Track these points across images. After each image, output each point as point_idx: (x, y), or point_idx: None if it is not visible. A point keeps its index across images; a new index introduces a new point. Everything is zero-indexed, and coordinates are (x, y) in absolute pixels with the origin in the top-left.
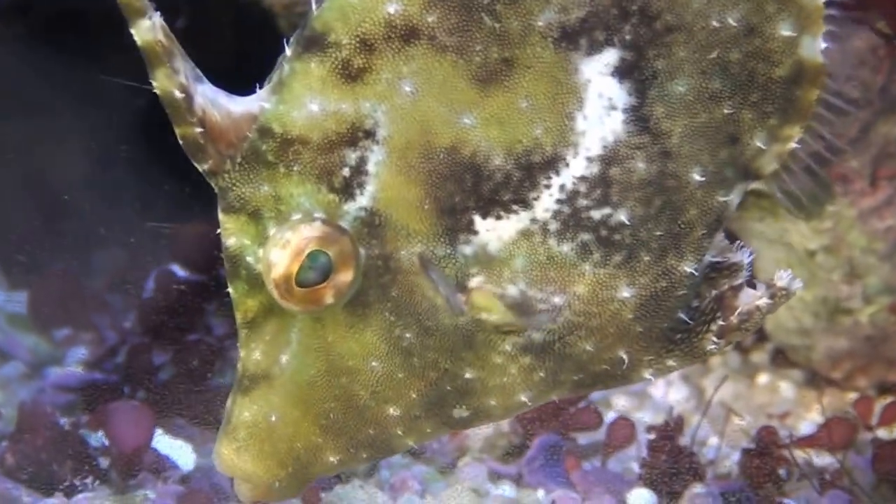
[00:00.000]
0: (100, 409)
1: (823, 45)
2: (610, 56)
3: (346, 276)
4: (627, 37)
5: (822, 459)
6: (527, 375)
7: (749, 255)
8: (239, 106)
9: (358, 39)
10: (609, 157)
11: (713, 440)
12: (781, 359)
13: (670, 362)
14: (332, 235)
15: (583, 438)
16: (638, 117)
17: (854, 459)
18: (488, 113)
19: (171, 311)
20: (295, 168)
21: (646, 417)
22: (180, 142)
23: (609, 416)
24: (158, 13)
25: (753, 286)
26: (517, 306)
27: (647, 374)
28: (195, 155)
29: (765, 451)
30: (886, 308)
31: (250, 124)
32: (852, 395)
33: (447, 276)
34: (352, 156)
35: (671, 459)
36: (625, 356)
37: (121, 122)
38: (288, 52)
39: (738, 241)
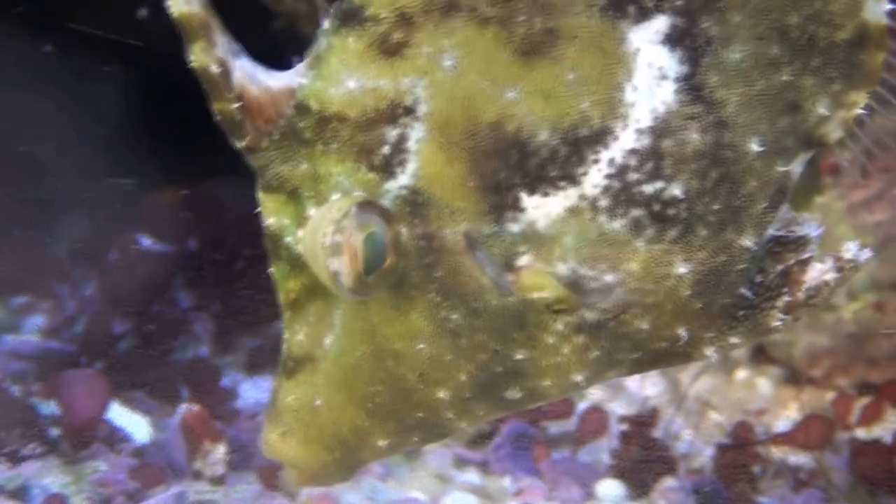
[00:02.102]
0: (53, 377)
1: (889, 5)
2: (660, 23)
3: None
4: (678, 2)
5: (798, 458)
6: (581, 355)
7: (817, 229)
8: (278, 81)
9: (397, 13)
10: (660, 129)
11: (687, 434)
12: (761, 355)
13: (734, 339)
14: (370, 216)
15: (553, 428)
16: (691, 86)
17: (830, 459)
18: (533, 86)
19: (134, 281)
20: (333, 146)
21: (619, 409)
22: (217, 118)
23: (581, 406)
24: None
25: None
26: (568, 285)
27: (708, 352)
28: (232, 131)
29: (739, 447)
30: (871, 305)
31: (289, 100)
32: (831, 394)
33: (494, 256)
34: (392, 133)
35: (643, 451)
36: (684, 333)
37: (90, 85)
38: (325, 25)
39: (805, 214)
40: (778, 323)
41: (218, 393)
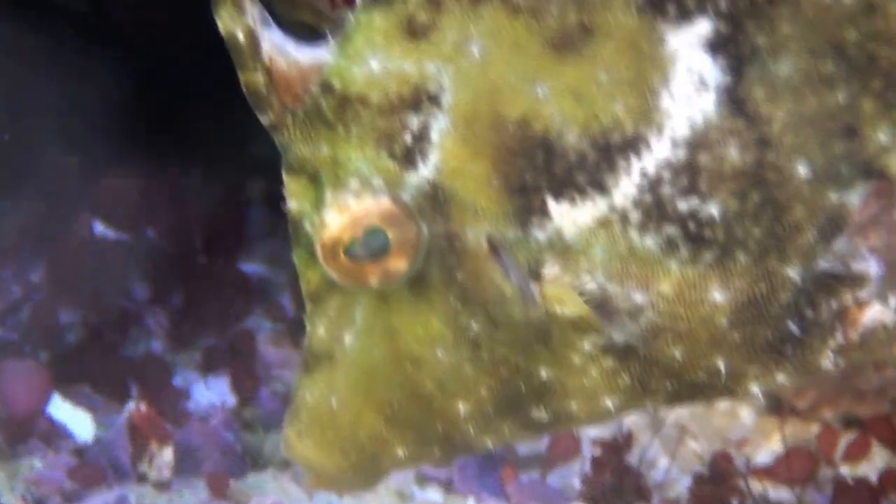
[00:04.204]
0: None
1: None
2: (702, 27)
3: (398, 265)
4: (723, 6)
5: (779, 493)
6: (610, 380)
7: (878, 265)
8: (307, 56)
9: None
10: (698, 142)
11: (663, 462)
12: None
13: (780, 377)
14: (397, 216)
15: (523, 448)
16: (732, 98)
17: (812, 496)
18: (563, 84)
19: (85, 269)
20: (354, 130)
21: (593, 431)
22: (243, 89)
23: None
24: None
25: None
26: (595, 301)
27: (754, 388)
28: (257, 105)
29: (718, 478)
30: None
31: (317, 77)
32: (816, 427)
33: (519, 263)
34: (414, 121)
35: (616, 478)
36: (723, 366)
37: (47, 56)
38: (357, 1)
39: (864, 248)
40: (828, 364)
41: (169, 392)
